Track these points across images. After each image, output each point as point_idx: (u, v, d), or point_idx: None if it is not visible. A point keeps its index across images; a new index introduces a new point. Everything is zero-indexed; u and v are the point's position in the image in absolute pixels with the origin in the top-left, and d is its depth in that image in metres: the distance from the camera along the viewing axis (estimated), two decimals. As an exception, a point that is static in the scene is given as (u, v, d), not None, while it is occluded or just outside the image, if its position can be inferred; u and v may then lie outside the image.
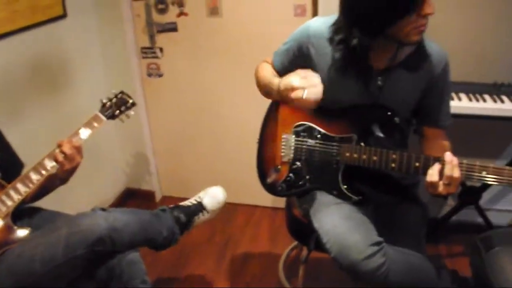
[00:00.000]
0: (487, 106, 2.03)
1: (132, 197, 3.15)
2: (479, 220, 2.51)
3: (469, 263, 1.59)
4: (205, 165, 2.98)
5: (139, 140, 2.97)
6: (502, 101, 2.04)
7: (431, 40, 1.56)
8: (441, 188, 1.36)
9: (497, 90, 2.13)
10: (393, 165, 1.49)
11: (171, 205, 1.90)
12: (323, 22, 1.60)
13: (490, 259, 1.46)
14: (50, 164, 1.63)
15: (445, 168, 1.35)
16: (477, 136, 2.37)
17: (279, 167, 1.75)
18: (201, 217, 1.92)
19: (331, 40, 1.56)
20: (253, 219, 2.87)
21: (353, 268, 1.42)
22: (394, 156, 1.49)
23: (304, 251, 1.97)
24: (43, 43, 2.30)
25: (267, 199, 2.93)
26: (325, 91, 1.51)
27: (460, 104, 2.05)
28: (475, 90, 2.14)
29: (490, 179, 1.35)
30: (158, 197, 3.15)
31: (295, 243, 2.50)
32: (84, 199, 2.61)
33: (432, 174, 1.37)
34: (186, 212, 1.88)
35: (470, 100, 2.07)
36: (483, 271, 1.46)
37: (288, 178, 1.72)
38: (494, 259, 1.46)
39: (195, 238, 2.64)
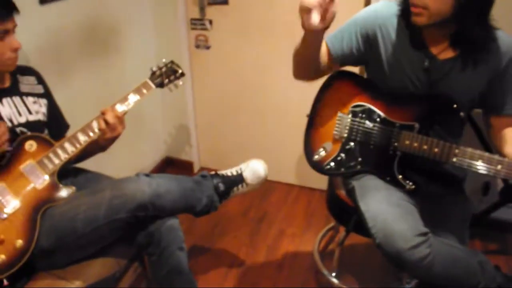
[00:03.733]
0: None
1: (171, 165, 3.20)
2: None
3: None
4: (245, 140, 2.99)
5: (182, 110, 3.00)
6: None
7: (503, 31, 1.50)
8: None
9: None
10: (454, 159, 1.47)
11: (212, 172, 1.91)
12: (386, 5, 1.59)
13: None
14: (95, 129, 1.65)
15: None
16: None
17: (329, 144, 1.73)
18: (240, 189, 1.93)
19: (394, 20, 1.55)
20: (290, 197, 2.87)
21: (398, 256, 1.40)
22: (457, 150, 1.47)
23: (341, 233, 1.96)
24: (96, 7, 2.32)
25: (305, 179, 2.93)
26: (386, 72, 1.52)
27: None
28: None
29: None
30: (196, 168, 3.18)
31: (331, 225, 2.49)
32: (125, 164, 2.66)
33: None
34: (226, 181, 1.89)
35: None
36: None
37: (339, 158, 1.70)
38: None
39: (231, 211, 2.67)
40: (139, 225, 1.60)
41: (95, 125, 1.65)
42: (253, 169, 1.97)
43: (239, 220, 2.65)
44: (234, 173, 1.95)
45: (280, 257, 2.38)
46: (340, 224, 2.00)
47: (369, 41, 1.60)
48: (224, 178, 1.90)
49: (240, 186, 1.93)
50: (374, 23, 1.59)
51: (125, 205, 1.53)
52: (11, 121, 1.59)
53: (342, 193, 1.81)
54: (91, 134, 1.64)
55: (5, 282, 1.45)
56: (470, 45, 1.47)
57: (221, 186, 1.86)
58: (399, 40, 1.56)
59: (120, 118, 1.67)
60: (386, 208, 1.49)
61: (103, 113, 1.65)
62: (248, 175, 1.95)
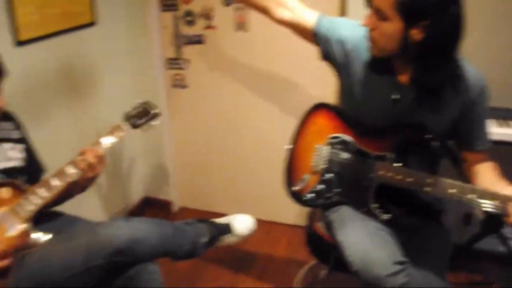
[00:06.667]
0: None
1: (150, 206, 3.15)
2: (501, 249, 2.44)
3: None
4: (225, 179, 2.97)
5: (160, 150, 2.98)
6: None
7: (469, 63, 1.53)
8: None
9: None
10: (428, 189, 1.47)
11: (200, 218, 1.90)
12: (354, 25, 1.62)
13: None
14: (72, 171, 1.62)
15: None
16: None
17: (308, 176, 1.73)
18: (228, 238, 1.93)
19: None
20: (271, 235, 2.84)
21: (376, 283, 1.41)
22: (429, 180, 1.47)
23: (322, 270, 1.94)
24: (71, 49, 2.33)
25: (285, 216, 2.91)
26: (356, 98, 1.54)
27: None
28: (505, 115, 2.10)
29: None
30: (175, 207, 3.14)
31: (312, 262, 2.46)
32: (102, 205, 2.62)
33: None
34: (214, 228, 1.89)
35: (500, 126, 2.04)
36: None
37: (318, 189, 1.71)
38: None
39: (212, 251, 2.59)
40: (118, 270, 1.56)
41: (69, 169, 1.62)
42: (242, 220, 1.98)
43: (220, 260, 2.61)
44: (223, 222, 1.95)
45: (262, 297, 2.34)
46: (320, 261, 1.99)
47: (342, 60, 1.63)
48: (213, 225, 1.90)
49: (229, 235, 1.93)
50: (345, 44, 1.62)
51: (102, 251, 1.50)
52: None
53: (320, 227, 1.81)
54: (65, 178, 1.61)
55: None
56: (429, 89, 1.49)
57: (210, 232, 1.86)
58: (368, 65, 1.58)
59: (101, 157, 1.65)
60: (363, 236, 1.50)
61: (82, 153, 1.63)
62: (237, 226, 1.95)
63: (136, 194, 3.09)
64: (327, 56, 1.68)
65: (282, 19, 1.73)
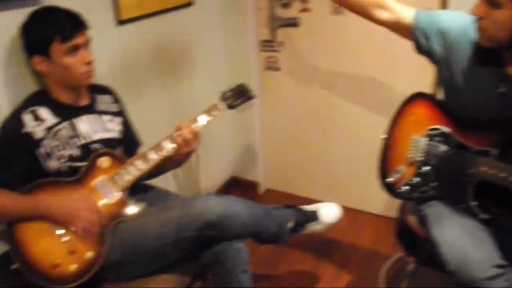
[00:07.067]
0: None
1: (236, 186, 3.21)
2: None
3: None
4: (313, 163, 2.96)
5: (249, 131, 3.02)
6: None
7: None
8: None
9: None
10: None
11: (288, 204, 1.90)
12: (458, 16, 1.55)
13: None
14: (169, 146, 1.69)
15: None
16: None
17: (403, 167, 1.68)
18: (314, 226, 1.91)
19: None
20: (356, 224, 2.79)
21: (473, 285, 1.34)
22: None
23: (410, 264, 1.87)
24: (168, 29, 2.39)
25: (372, 205, 2.84)
26: (458, 90, 1.48)
27: None
28: None
29: None
30: (261, 189, 3.18)
31: (399, 254, 2.39)
32: (192, 182, 2.70)
33: None
34: (301, 215, 1.88)
35: None
36: None
37: (413, 181, 1.65)
38: None
39: (295, 236, 2.63)
40: (206, 244, 1.61)
41: (166, 143, 1.68)
42: (329, 209, 1.95)
43: (303, 245, 2.61)
44: (310, 210, 1.93)
45: (344, 286, 2.31)
46: (410, 254, 1.92)
47: (443, 52, 1.56)
48: (300, 212, 1.89)
49: (315, 223, 1.91)
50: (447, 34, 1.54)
51: (194, 223, 1.55)
52: (87, 137, 1.65)
53: (412, 221, 1.74)
54: (162, 152, 1.68)
55: (74, 291, 1.50)
56: None
57: (297, 219, 1.85)
58: (473, 56, 1.50)
59: (196, 134, 1.71)
60: (461, 235, 1.44)
61: (179, 128, 1.69)
62: (324, 213, 1.92)
63: (223, 174, 3.16)
64: (425, 50, 1.62)
65: (381, 20, 1.70)
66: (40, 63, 1.54)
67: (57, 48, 1.52)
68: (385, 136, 1.77)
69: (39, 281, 1.46)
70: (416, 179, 1.64)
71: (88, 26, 1.59)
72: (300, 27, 2.64)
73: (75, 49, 1.54)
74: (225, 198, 1.65)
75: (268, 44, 2.77)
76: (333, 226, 1.96)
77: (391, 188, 1.70)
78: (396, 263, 2.40)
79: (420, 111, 1.69)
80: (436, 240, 1.48)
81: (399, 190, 1.67)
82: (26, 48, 1.56)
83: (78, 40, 1.55)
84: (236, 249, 1.62)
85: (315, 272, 2.40)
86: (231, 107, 1.83)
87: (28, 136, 1.54)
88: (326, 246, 2.60)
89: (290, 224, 1.82)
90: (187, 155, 1.75)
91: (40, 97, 1.62)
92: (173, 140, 1.68)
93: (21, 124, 1.54)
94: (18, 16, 1.57)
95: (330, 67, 2.64)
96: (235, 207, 1.62)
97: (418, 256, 1.73)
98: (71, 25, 1.54)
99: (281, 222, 1.78)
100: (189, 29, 2.55)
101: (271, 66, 2.81)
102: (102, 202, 1.60)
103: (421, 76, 2.31)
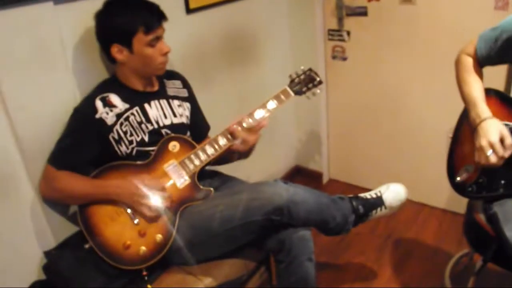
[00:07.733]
0: None
1: (300, 175, 3.23)
2: None
3: None
4: (377, 155, 2.92)
5: (315, 120, 3.01)
6: None
7: None
8: None
9: None
10: None
11: (351, 195, 1.87)
12: None
13: None
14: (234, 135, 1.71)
15: None
16: None
17: (471, 166, 1.63)
18: (379, 212, 1.87)
19: None
20: (420, 217, 2.74)
21: None
22: None
23: (477, 262, 1.82)
24: (237, 17, 2.43)
25: (437, 199, 2.78)
26: None
27: None
28: None
29: None
30: (325, 178, 3.18)
31: (464, 251, 2.33)
32: (256, 169, 2.73)
33: None
34: (365, 204, 1.85)
35: None
36: None
37: (481, 180, 1.60)
38: None
39: (358, 226, 2.62)
40: (272, 230, 1.63)
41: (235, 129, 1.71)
42: (394, 191, 1.90)
43: (366, 236, 2.59)
44: (374, 195, 1.89)
45: (406, 279, 2.28)
46: (477, 252, 1.86)
47: None
48: (363, 201, 1.85)
49: (379, 209, 1.87)
50: None
51: (261, 208, 1.57)
52: (157, 122, 1.72)
53: (481, 218, 1.69)
54: (230, 138, 1.71)
55: (144, 273, 1.57)
56: None
57: (361, 209, 1.82)
58: None
59: (251, 130, 1.71)
60: None
61: (239, 122, 1.71)
62: (388, 197, 1.88)
63: (288, 162, 3.19)
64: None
65: None
66: (119, 52, 1.61)
67: (140, 39, 1.58)
68: (454, 133, 1.73)
69: (111, 260, 1.54)
70: (484, 178, 1.59)
71: (167, 18, 1.65)
72: (368, 16, 2.59)
73: (156, 40, 1.61)
74: (292, 185, 1.66)
75: (335, 33, 2.74)
76: (399, 209, 1.91)
77: (460, 188, 1.65)
78: (461, 260, 2.34)
79: (490, 108, 1.62)
80: (506, 239, 1.43)
81: (468, 189, 1.62)
82: (105, 37, 1.62)
83: (159, 32, 1.61)
84: (302, 237, 1.63)
85: (377, 265, 2.39)
86: (299, 93, 1.83)
87: (101, 121, 1.62)
88: (389, 238, 2.57)
89: (354, 216, 1.81)
90: (250, 147, 1.76)
91: (112, 84, 1.70)
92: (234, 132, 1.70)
93: (94, 110, 1.61)
94: (89, 5, 1.63)
95: (398, 58, 2.58)
96: (302, 194, 1.63)
97: (486, 255, 1.68)
98: (155, 17, 1.60)
99: (345, 213, 1.77)
100: (256, 18, 2.57)
101: (338, 56, 2.79)
102: (172, 185, 1.66)
103: (494, 70, 2.21)
